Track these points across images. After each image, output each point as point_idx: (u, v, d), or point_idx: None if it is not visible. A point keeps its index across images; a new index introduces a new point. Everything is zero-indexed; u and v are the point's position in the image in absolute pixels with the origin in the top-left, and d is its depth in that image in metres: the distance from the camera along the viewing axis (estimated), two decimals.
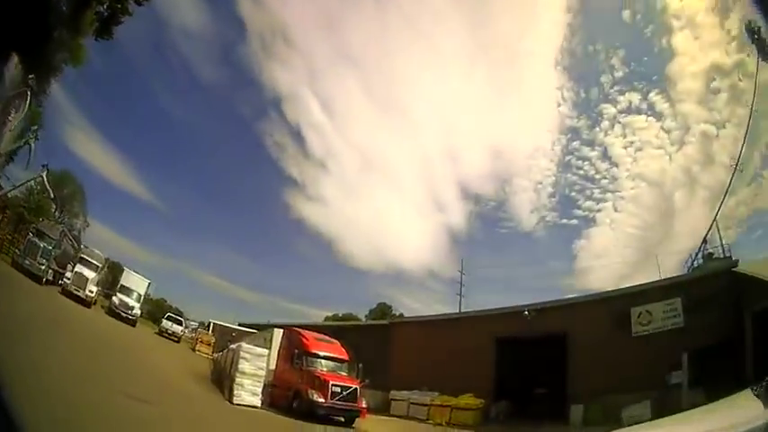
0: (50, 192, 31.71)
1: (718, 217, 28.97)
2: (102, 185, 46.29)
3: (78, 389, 10.04)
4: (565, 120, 50.98)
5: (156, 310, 40.41)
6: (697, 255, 28.55)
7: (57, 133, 34.52)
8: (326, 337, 22.28)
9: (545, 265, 55.97)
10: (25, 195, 30.78)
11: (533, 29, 54.79)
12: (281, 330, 23.60)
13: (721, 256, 26.63)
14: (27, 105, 20.83)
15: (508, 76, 57.35)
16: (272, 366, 21.55)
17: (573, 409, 22.88)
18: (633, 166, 47.14)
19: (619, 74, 46.64)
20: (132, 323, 30.14)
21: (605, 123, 47.54)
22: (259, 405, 19.40)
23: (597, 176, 48.81)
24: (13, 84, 18.81)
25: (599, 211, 48.59)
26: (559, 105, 50.86)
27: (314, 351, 20.59)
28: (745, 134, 31.70)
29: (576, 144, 49.89)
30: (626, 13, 45.05)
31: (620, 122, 46.54)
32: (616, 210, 48.27)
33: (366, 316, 48.28)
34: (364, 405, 19.65)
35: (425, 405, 26.15)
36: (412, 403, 26.80)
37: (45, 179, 29.78)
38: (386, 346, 30.96)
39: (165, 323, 35.04)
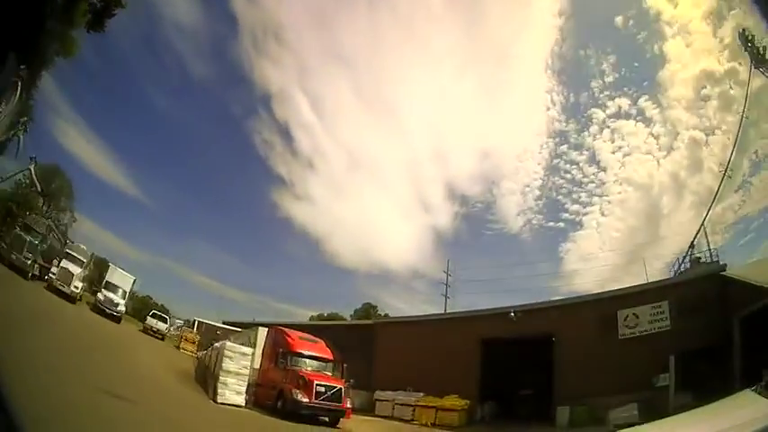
0: (38, 185, 31.33)
1: (705, 222, 29.25)
2: (90, 180, 45.90)
3: (60, 386, 9.85)
4: (553, 123, 51.48)
5: (141, 307, 39.99)
6: (684, 259, 28.81)
7: (46, 127, 34.23)
8: (311, 337, 22.09)
9: (531, 268, 56.37)
10: (13, 189, 30.35)
11: (525, 32, 55.16)
12: (266, 329, 23.35)
13: (708, 260, 26.82)
14: (17, 97, 20.49)
15: (498, 79, 57.70)
16: (257, 365, 21.34)
17: (559, 410, 22.88)
18: (621, 171, 47.67)
19: (609, 79, 47.13)
20: (117, 320, 29.82)
21: (594, 128, 48.03)
22: (243, 404, 19.23)
23: (585, 180, 49.29)
24: (3, 75, 18.48)
25: (586, 214, 49.10)
26: (548, 109, 51.37)
27: (298, 350, 20.39)
28: (735, 141, 32.08)
29: (564, 148, 50.40)
30: (618, 19, 45.33)
31: (608, 127, 47.04)
32: (603, 214, 48.73)
33: (351, 316, 48.21)
34: (349, 405, 19.46)
35: (410, 405, 26.05)
36: (397, 404, 26.69)
37: (33, 172, 29.43)
38: (371, 346, 30.81)
39: (150, 320, 34.68)
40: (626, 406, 18.92)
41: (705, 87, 40.61)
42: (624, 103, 46.13)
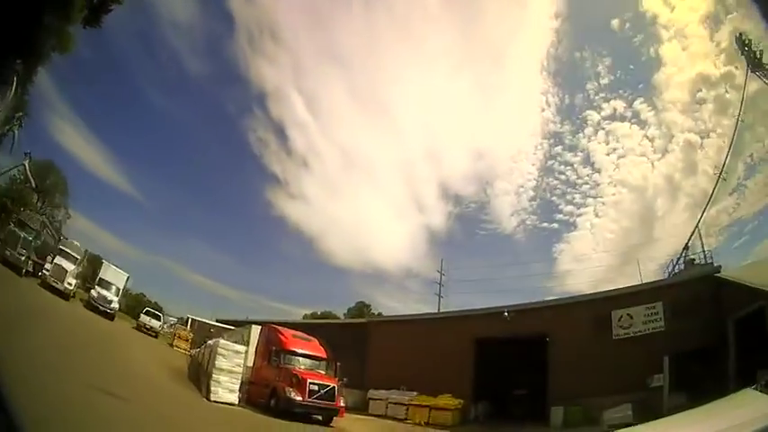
0: (32, 181, 31.21)
1: (699, 224, 29.36)
2: (84, 177, 45.82)
3: (53, 383, 9.71)
4: (548, 124, 51.63)
5: (135, 304, 39.83)
6: (678, 260, 28.87)
7: (42, 123, 34.11)
8: (304, 335, 21.96)
9: (524, 268, 56.48)
10: (8, 185, 30.18)
11: (521, 33, 55.24)
12: (259, 327, 23.26)
13: (703, 262, 26.90)
14: (12, 92, 20.37)
15: (493, 80, 57.83)
16: (250, 363, 21.23)
17: (553, 410, 22.87)
18: (615, 173, 47.79)
19: (604, 81, 47.26)
20: (110, 317, 29.69)
21: (589, 129, 48.15)
22: (236, 402, 19.12)
23: (579, 182, 49.42)
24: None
25: (580, 215, 49.30)
26: (543, 110, 51.55)
27: (291, 348, 20.29)
28: (730, 144, 32.24)
29: (558, 149, 50.62)
30: (615, 22, 45.39)
31: (603, 129, 47.17)
32: (597, 215, 48.86)
33: (345, 314, 48.13)
34: (342, 404, 19.39)
35: (404, 405, 25.97)
36: (390, 403, 26.61)
37: (27, 168, 29.27)
38: (364, 344, 30.75)
39: (144, 318, 34.52)
40: (620, 406, 18.91)
41: (701, 91, 40.87)
42: (619, 105, 46.34)
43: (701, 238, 28.59)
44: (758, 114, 32.78)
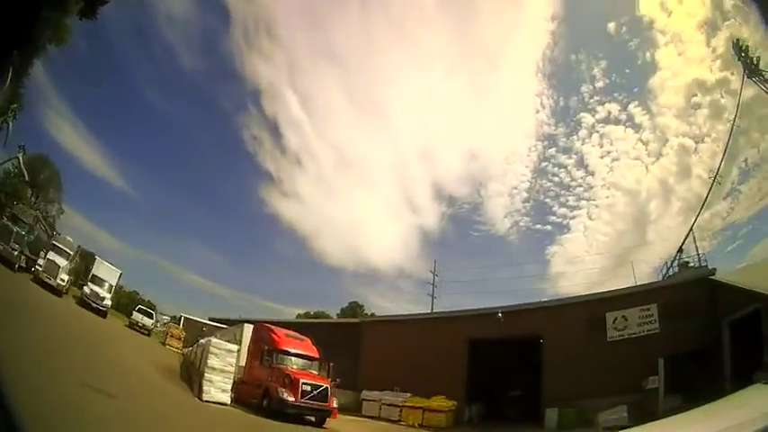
0: (25, 174, 30.90)
1: (693, 228, 29.44)
2: (78, 172, 45.22)
3: (45, 380, 9.56)
4: (542, 126, 51.60)
5: (128, 302, 39.50)
6: (672, 263, 28.89)
7: (36, 116, 33.71)
8: (297, 335, 21.80)
9: (518, 270, 56.53)
10: (2, 179, 29.86)
11: (517, 35, 55.13)
12: (251, 326, 23.09)
13: (697, 265, 26.94)
14: (8, 82, 20.17)
15: (488, 81, 57.75)
16: (242, 363, 21.10)
17: (548, 412, 22.79)
18: (609, 176, 47.92)
19: (599, 84, 47.29)
20: (103, 314, 29.43)
21: (583, 132, 48.17)
22: (228, 402, 19.01)
23: (572, 184, 49.44)
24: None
25: (573, 218, 49.21)
26: (538, 112, 51.47)
27: (284, 348, 20.13)
28: (725, 149, 32.36)
29: (552, 151, 50.54)
30: (611, 25, 45.47)
31: (597, 132, 47.22)
32: (590, 217, 48.90)
33: (338, 315, 47.98)
34: (335, 405, 19.25)
35: (397, 406, 25.83)
36: (384, 404, 26.45)
37: (21, 161, 28.98)
38: (357, 345, 30.58)
39: (136, 315, 34.17)
40: (615, 408, 18.91)
41: (696, 95, 40.92)
42: (614, 108, 46.39)
43: (695, 242, 28.65)
44: (753, 120, 32.98)
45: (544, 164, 50.83)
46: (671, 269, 28.62)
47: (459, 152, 65.31)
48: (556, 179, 50.00)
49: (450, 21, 56.79)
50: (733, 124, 32.44)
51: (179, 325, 36.54)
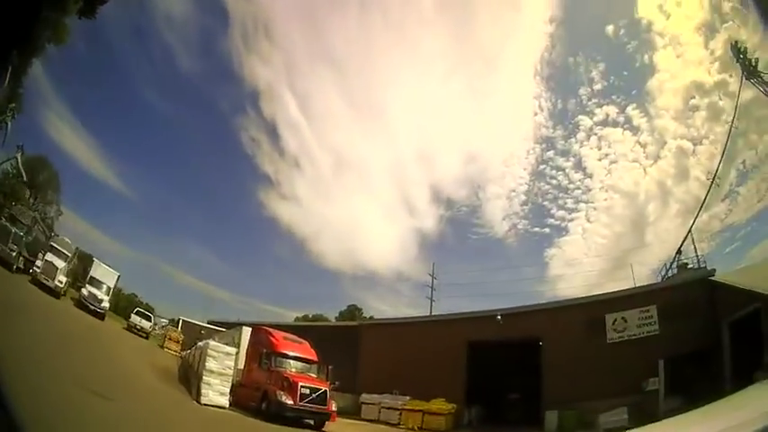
0: (24, 175, 30.80)
1: (692, 229, 29.50)
2: (77, 174, 44.99)
3: (44, 382, 9.50)
4: (540, 129, 51.60)
5: (126, 304, 39.35)
6: (671, 265, 28.93)
7: (35, 117, 33.68)
8: (295, 337, 21.70)
9: (516, 272, 56.55)
10: (0, 179, 29.80)
11: (515, 37, 55.18)
12: (249, 329, 23.00)
13: (696, 266, 26.96)
14: (6, 81, 20.19)
15: (486, 83, 57.80)
16: (241, 366, 21.00)
17: (547, 415, 22.73)
18: (607, 178, 47.96)
19: (597, 86, 47.32)
20: (101, 316, 29.18)
21: (581, 134, 48.20)
22: (227, 405, 18.93)
23: (570, 186, 49.44)
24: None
25: (571, 220, 49.19)
26: (536, 114, 51.45)
27: (282, 351, 20.03)
28: (723, 151, 32.44)
29: (550, 154, 50.53)
30: (610, 28, 45.55)
31: (595, 134, 47.26)
32: (588, 220, 48.91)
33: (336, 318, 47.90)
34: (334, 408, 19.14)
35: (397, 409, 25.73)
36: (383, 407, 26.34)
37: (19, 161, 28.90)
38: (356, 348, 30.49)
39: (134, 318, 33.98)
40: (615, 410, 18.89)
41: (694, 98, 40.98)
42: (612, 110, 46.44)
43: (693, 243, 28.70)
44: (751, 122, 33.05)
45: (542, 166, 50.87)
46: (670, 271, 28.69)
47: (457, 155, 65.39)
48: (554, 182, 50.03)
49: (449, 23, 56.89)
50: (731, 126, 32.54)
51: (177, 328, 36.39)
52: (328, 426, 18.93)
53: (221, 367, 19.20)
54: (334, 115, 57.79)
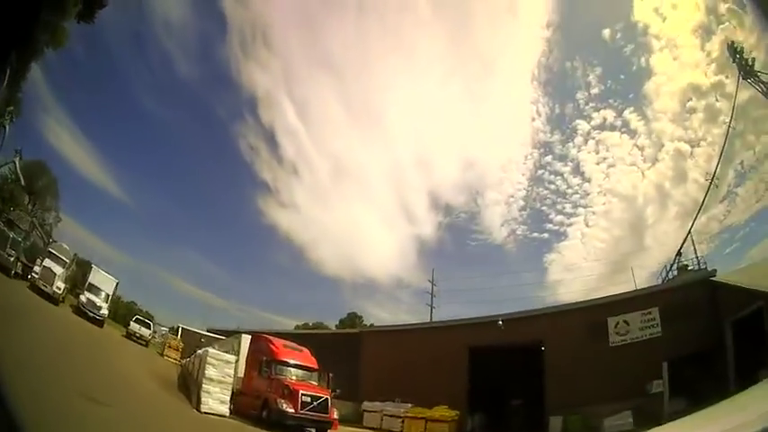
0: (21, 179, 30.68)
1: (691, 231, 29.51)
2: (76, 180, 44.82)
3: (42, 387, 9.41)
4: (538, 134, 51.57)
5: (126, 312, 39.22)
6: (672, 267, 28.90)
7: (35, 123, 33.64)
8: (296, 345, 21.57)
9: (515, 278, 56.33)
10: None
11: (512, 42, 55.29)
12: (249, 336, 22.86)
13: (696, 268, 26.93)
14: (5, 84, 20.15)
15: (484, 88, 57.76)
16: (241, 374, 20.85)
17: (552, 420, 22.57)
18: (605, 182, 47.93)
19: (595, 91, 47.41)
20: (99, 323, 29.06)
21: (579, 139, 48.23)
22: (227, 414, 18.81)
23: (569, 191, 49.38)
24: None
25: (570, 225, 49.08)
26: (533, 119, 51.45)
27: (283, 359, 19.91)
28: (721, 152, 32.50)
29: (548, 158, 50.49)
30: (606, 32, 45.71)
31: (593, 138, 47.26)
32: (587, 224, 48.82)
33: (336, 326, 47.80)
34: (336, 416, 18.99)
35: (399, 417, 25.56)
36: (386, 415, 26.18)
37: (17, 165, 28.82)
38: (357, 355, 30.34)
39: (133, 326, 33.84)
40: (620, 414, 18.82)
41: (691, 100, 41.06)
42: (609, 114, 46.53)
43: (693, 245, 28.69)
44: (748, 122, 33.10)
45: (540, 171, 50.87)
46: (670, 273, 28.66)
47: (455, 160, 65.24)
48: (552, 187, 50.03)
49: (446, 28, 57.07)
50: (728, 127, 32.60)
51: (177, 335, 36.28)
52: None
53: (221, 375, 19.09)
54: (332, 121, 57.87)
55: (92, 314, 28.47)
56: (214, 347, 22.41)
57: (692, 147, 40.66)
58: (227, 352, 21.05)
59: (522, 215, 51.90)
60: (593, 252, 46.55)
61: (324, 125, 58.11)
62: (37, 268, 26.29)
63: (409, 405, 25.84)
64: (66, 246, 30.57)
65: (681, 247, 28.98)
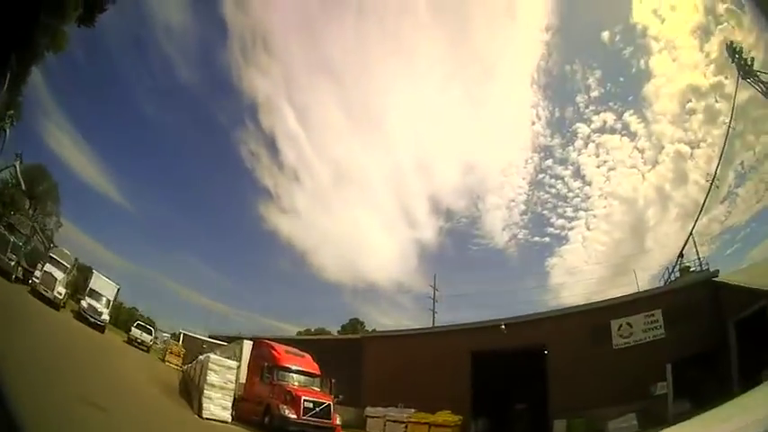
0: (22, 183, 30.68)
1: (692, 232, 29.46)
2: (77, 185, 44.83)
3: (43, 392, 9.41)
4: (538, 138, 51.59)
5: (127, 318, 39.17)
6: (673, 269, 28.84)
7: (35, 127, 33.77)
8: (297, 351, 21.56)
9: (517, 282, 56.25)
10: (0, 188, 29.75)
11: (511, 46, 55.45)
12: (251, 342, 22.80)
13: (698, 269, 26.86)
14: (5, 87, 20.19)
15: (484, 93, 57.84)
16: (243, 380, 20.79)
17: (556, 424, 22.47)
18: (606, 185, 47.93)
19: (594, 93, 47.47)
20: (101, 329, 29.01)
21: (579, 142, 48.23)
22: (229, 420, 18.75)
23: (570, 195, 49.34)
24: None
25: (571, 228, 49.02)
26: (533, 123, 51.49)
27: (284, 364, 19.87)
28: (721, 153, 32.49)
29: (549, 162, 50.47)
30: (605, 34, 45.81)
31: (593, 142, 47.28)
32: (588, 228, 48.77)
33: (338, 331, 47.69)
34: (338, 422, 18.93)
35: (402, 422, 25.41)
36: (389, 420, 26.02)
37: (17, 169, 28.83)
38: (359, 361, 30.21)
39: (135, 331, 33.79)
40: (624, 416, 18.76)
41: (690, 101, 41.11)
42: (609, 117, 46.58)
43: (695, 246, 28.63)
44: (748, 122, 33.13)
45: (541, 175, 50.87)
46: (672, 274, 28.59)
47: (455, 165, 65.19)
48: (553, 190, 50.02)
49: (445, 32, 57.21)
50: (728, 128, 32.62)
51: (178, 341, 36.22)
52: None
53: (222, 381, 19.07)
54: (332, 126, 57.97)
55: (93, 319, 28.42)
56: (216, 353, 22.33)
57: (692, 148, 40.67)
58: (228, 358, 21.03)
59: (523, 219, 51.89)
60: (595, 255, 46.49)
61: (324, 130, 58.18)
62: (38, 273, 26.26)
63: (412, 410, 25.59)
64: (66, 251, 30.59)
65: (682, 249, 28.93)
